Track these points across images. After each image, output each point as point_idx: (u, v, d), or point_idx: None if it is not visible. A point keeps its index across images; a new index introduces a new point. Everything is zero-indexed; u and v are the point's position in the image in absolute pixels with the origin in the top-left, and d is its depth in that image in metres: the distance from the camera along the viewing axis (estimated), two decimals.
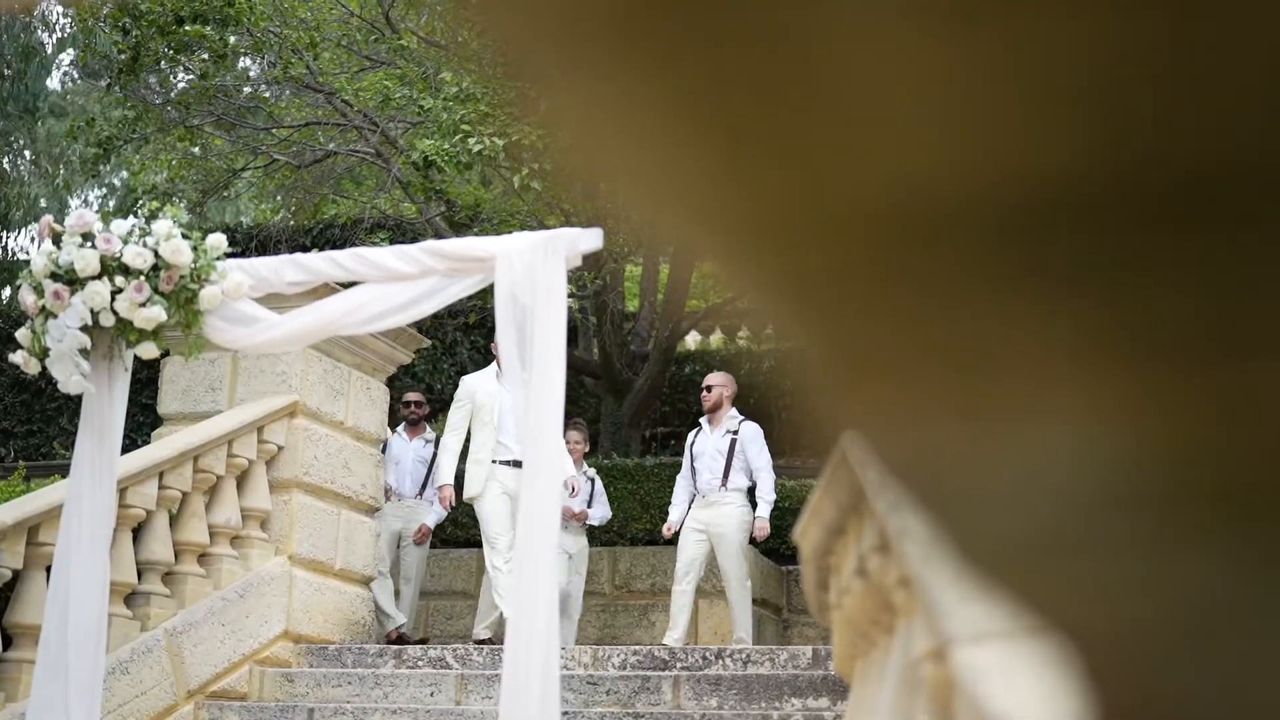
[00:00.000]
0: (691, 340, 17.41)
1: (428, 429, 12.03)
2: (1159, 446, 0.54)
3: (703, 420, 11.53)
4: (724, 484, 11.18)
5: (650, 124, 0.56)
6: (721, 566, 11.10)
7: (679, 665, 9.21)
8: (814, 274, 0.57)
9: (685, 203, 0.59)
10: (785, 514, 12.57)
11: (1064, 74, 0.49)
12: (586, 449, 12.10)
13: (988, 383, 0.56)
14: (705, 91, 0.53)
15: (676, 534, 11.27)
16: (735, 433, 11.28)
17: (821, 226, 0.55)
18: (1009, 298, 0.53)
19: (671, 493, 12.21)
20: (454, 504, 11.07)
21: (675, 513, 11.41)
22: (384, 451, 11.32)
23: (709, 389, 11.53)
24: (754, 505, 11.18)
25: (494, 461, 10.61)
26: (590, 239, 7.02)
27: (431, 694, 9.13)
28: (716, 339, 17.87)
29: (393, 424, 11.68)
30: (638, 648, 9.57)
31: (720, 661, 9.18)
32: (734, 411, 11.47)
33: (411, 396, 12.03)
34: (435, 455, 11.42)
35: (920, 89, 0.51)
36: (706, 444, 11.34)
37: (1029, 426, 0.55)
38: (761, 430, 11.40)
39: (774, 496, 11.23)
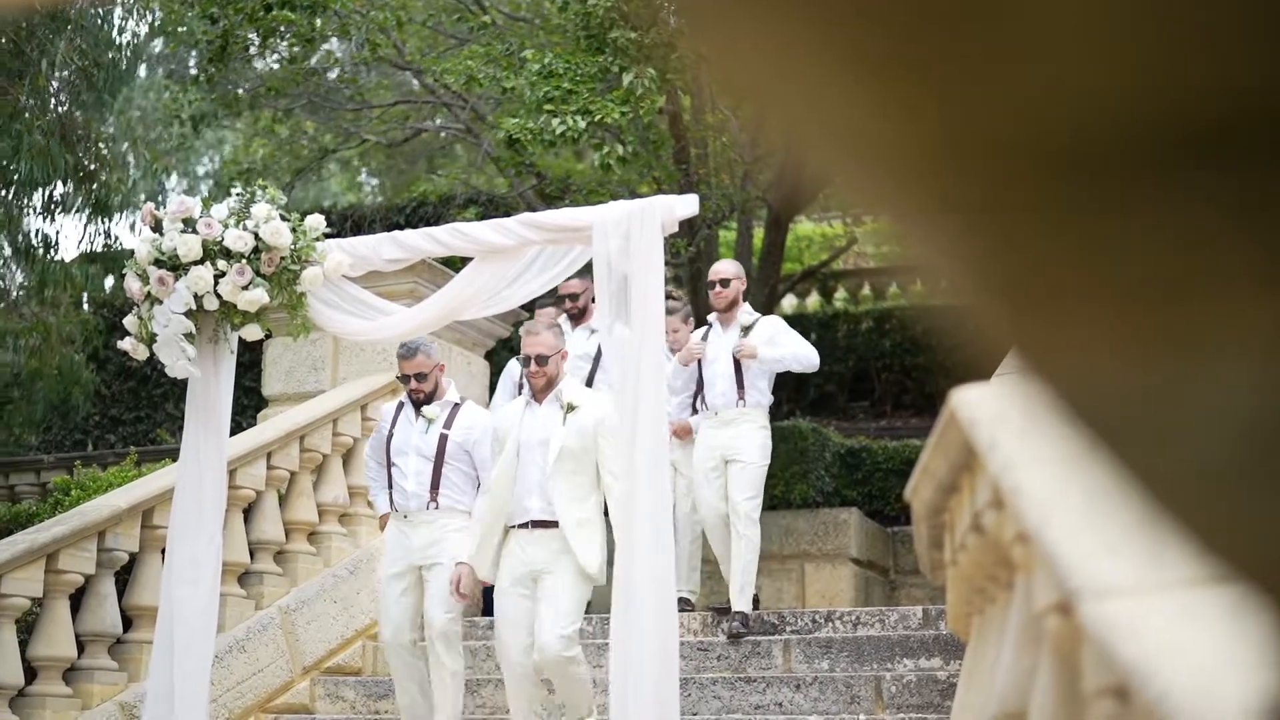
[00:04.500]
0: (788, 304, 17.34)
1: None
2: None
3: (712, 318, 9.77)
4: (741, 398, 9.43)
5: (813, 57, 0.54)
6: (732, 500, 9.35)
7: (789, 629, 9.20)
8: (987, 203, 0.56)
9: (849, 138, 0.57)
10: (890, 475, 12.53)
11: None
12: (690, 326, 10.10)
13: (1169, 310, 0.54)
14: (871, 21, 0.52)
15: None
16: (749, 329, 9.55)
17: (995, 154, 0.53)
18: (1192, 222, 0.52)
19: (771, 458, 12.15)
20: None
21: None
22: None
23: (725, 282, 9.63)
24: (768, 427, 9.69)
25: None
26: (686, 205, 7.01)
27: None
28: (813, 301, 17.79)
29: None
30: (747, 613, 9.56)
31: (830, 624, 9.16)
32: (748, 306, 9.78)
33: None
34: None
35: (1099, 11, 0.49)
36: (720, 347, 9.54)
37: (1212, 353, 0.54)
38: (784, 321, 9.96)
39: (796, 361, 9.50)
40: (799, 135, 0.60)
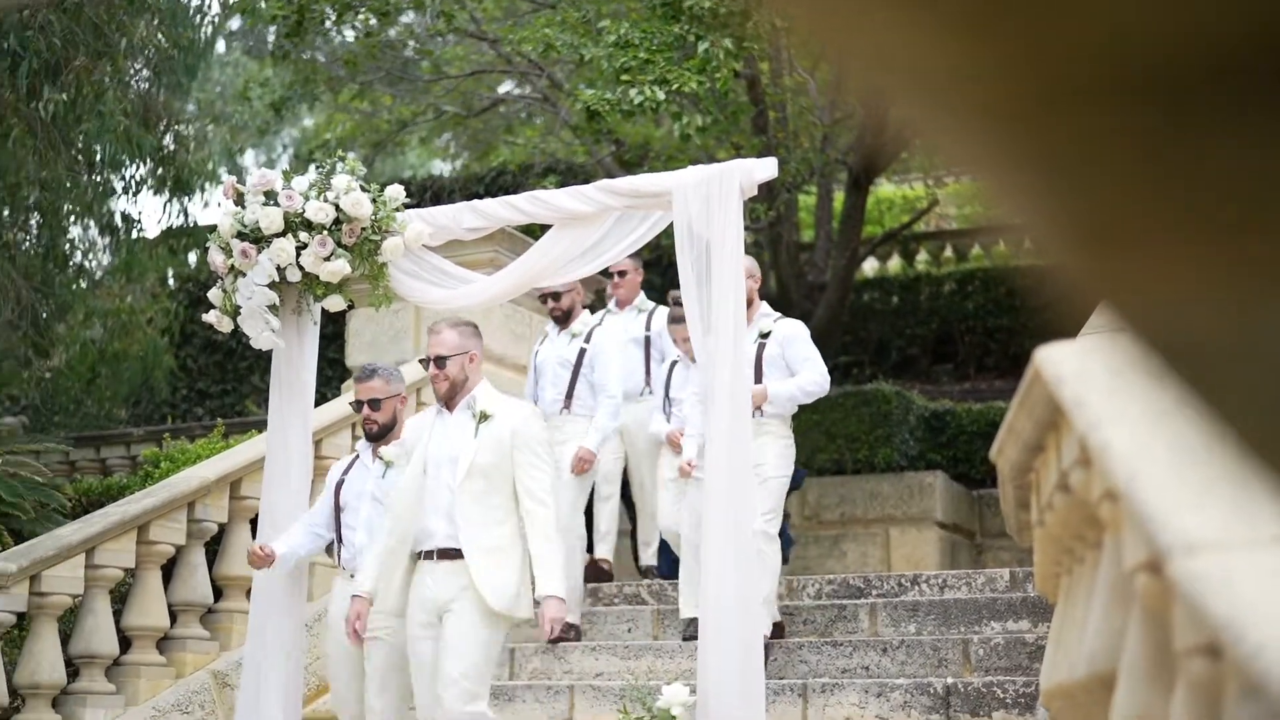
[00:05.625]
0: (869, 267, 17.26)
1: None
2: None
3: None
4: (759, 408, 8.06)
5: (891, 9, 0.53)
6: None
7: (874, 593, 9.17)
8: (1062, 143, 0.54)
9: (932, 91, 0.56)
10: (974, 438, 12.46)
11: None
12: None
13: (1252, 241, 0.53)
14: None
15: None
16: (767, 335, 8.43)
17: (1070, 92, 0.52)
18: (1271, 151, 0.50)
19: (855, 422, 12.11)
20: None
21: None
22: None
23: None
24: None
25: None
26: (765, 168, 6.97)
27: (629, 630, 9.21)
28: (895, 265, 17.69)
29: None
30: (831, 577, 9.56)
31: (916, 587, 9.12)
32: (766, 307, 8.62)
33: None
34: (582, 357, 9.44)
35: None
36: None
37: None
38: (805, 328, 8.68)
39: (806, 397, 8.40)
40: (880, 92, 0.59)
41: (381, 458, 7.22)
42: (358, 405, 7.36)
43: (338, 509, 7.31)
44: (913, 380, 15.54)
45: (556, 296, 9.39)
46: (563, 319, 9.56)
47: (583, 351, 9.38)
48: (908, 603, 8.72)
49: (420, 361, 7.04)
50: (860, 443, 12.02)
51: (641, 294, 10.17)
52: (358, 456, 7.48)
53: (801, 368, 8.37)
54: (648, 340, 9.87)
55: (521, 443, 6.58)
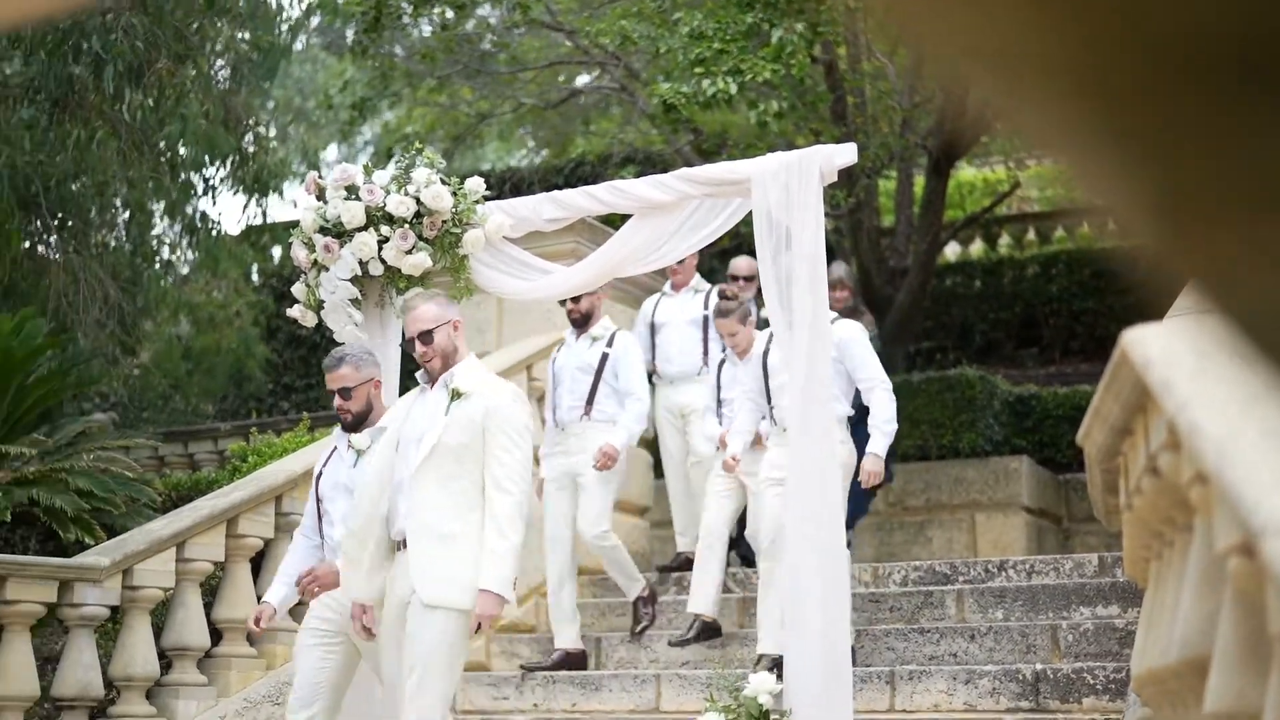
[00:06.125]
0: (951, 251, 17.13)
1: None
2: None
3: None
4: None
5: None
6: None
7: (961, 579, 9.12)
8: (1147, 118, 0.53)
9: (1003, 65, 0.55)
10: (1061, 422, 12.35)
11: None
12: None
13: None
14: None
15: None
16: None
17: (1154, 67, 0.51)
18: None
19: (939, 407, 12.04)
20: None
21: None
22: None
23: (749, 279, 9.01)
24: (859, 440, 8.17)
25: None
26: (845, 154, 6.94)
27: None
28: (977, 249, 17.55)
29: None
30: (917, 563, 9.51)
31: (1003, 573, 9.06)
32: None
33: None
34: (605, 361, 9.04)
35: None
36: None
37: None
38: (865, 330, 8.46)
39: (894, 426, 8.13)
40: (957, 75, 0.58)
41: (353, 446, 6.78)
42: (332, 395, 6.87)
43: (319, 502, 6.91)
44: (997, 365, 15.41)
45: (576, 299, 8.86)
46: (581, 322, 9.12)
47: (605, 356, 8.98)
48: (995, 589, 8.66)
49: (402, 346, 6.63)
50: (944, 428, 11.95)
51: (697, 275, 10.11)
52: (336, 448, 6.98)
53: (859, 372, 8.09)
54: (705, 320, 9.81)
55: (495, 424, 6.05)
